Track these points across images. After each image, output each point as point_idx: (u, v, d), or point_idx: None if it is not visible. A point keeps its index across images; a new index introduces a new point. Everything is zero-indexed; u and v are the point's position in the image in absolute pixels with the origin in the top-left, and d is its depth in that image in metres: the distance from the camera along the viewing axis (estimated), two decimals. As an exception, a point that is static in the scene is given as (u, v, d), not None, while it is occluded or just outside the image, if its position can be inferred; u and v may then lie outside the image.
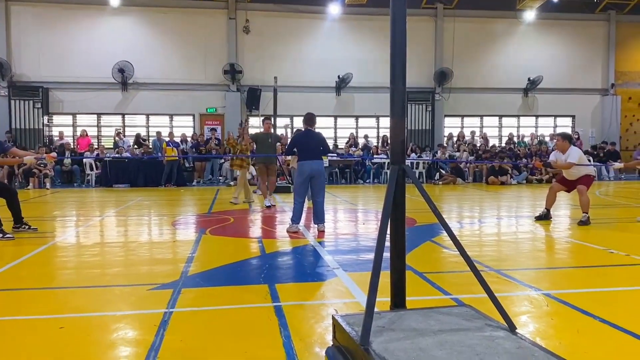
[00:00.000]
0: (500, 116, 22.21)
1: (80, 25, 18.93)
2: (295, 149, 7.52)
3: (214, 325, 3.54)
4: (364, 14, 20.01)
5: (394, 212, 3.07)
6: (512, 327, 2.77)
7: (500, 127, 22.32)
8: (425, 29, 20.79)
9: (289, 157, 11.15)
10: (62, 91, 19.02)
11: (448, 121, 21.77)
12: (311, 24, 20.27)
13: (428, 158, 19.06)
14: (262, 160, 10.39)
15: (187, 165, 18.20)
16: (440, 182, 17.91)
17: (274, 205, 10.57)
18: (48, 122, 19.29)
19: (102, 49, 18.78)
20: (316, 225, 7.34)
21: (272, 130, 10.99)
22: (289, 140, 11.11)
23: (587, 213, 7.96)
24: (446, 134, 21.46)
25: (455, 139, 21.14)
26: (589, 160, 18.83)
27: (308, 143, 7.28)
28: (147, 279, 4.79)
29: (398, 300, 3.17)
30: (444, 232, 3.12)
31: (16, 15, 18.64)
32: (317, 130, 7.71)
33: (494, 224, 8.70)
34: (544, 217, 8.37)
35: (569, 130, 22.27)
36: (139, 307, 3.96)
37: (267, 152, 10.26)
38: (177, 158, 16.82)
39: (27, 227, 7.37)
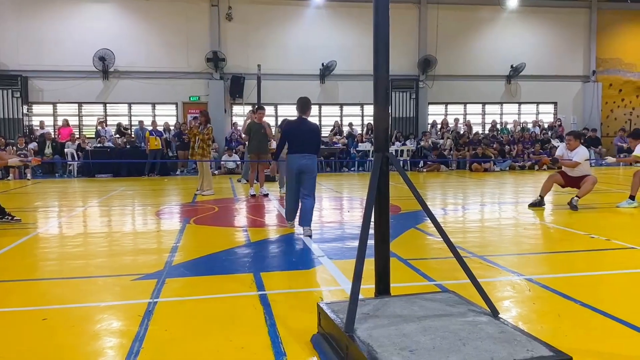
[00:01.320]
0: (484, 103, 22.35)
1: (60, 12, 18.55)
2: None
3: (199, 314, 3.53)
4: (348, 2, 19.92)
5: (378, 199, 3.08)
6: (494, 312, 2.81)
7: (484, 114, 22.47)
8: (409, 17, 20.76)
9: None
10: (41, 80, 18.69)
11: (432, 109, 21.85)
12: (295, 11, 20.12)
13: (412, 145, 19.12)
14: (255, 150, 10.37)
15: (170, 154, 18.06)
16: (425, 170, 18.01)
17: (267, 195, 10.53)
18: (28, 111, 18.95)
19: (83, 37, 18.46)
20: (301, 228, 6.31)
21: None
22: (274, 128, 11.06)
23: (579, 198, 8.09)
24: (430, 121, 21.55)
25: (439, 126, 21.24)
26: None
27: (301, 134, 6.29)
28: (131, 269, 4.76)
29: (382, 287, 3.20)
30: (428, 219, 3.14)
31: (-7, 2, 18.23)
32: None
33: (477, 210, 8.78)
34: (538, 205, 8.46)
35: (551, 117, 22.52)
36: (123, 297, 3.93)
37: (260, 142, 10.31)
38: (160, 147, 16.68)
39: (10, 217, 7.27)
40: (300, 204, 6.37)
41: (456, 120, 21.46)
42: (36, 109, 19.20)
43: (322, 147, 18.33)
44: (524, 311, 3.53)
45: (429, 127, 21.10)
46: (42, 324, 3.35)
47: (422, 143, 19.17)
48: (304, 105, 6.46)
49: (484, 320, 2.71)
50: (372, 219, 2.98)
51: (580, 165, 8.26)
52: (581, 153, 8.27)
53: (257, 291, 3.99)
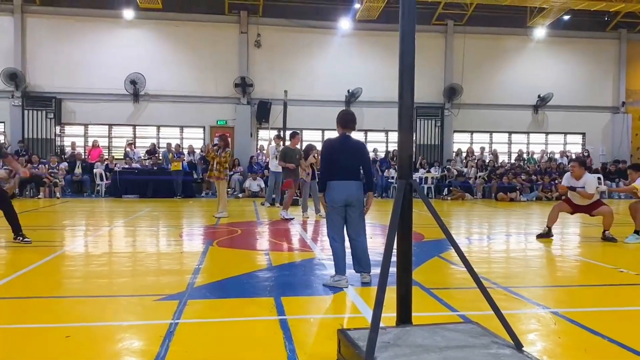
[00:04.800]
0: (510, 132, 22.17)
1: (93, 37, 19.19)
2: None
3: (220, 337, 3.53)
4: (375, 30, 20.13)
5: (401, 226, 3.07)
6: (518, 345, 2.75)
7: (510, 143, 22.27)
8: (435, 45, 20.87)
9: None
10: (74, 102, 19.23)
11: (457, 137, 21.76)
12: (322, 38, 20.42)
13: (437, 173, 19.01)
14: (291, 175, 10.71)
15: (194, 176, 18.29)
16: (449, 198, 17.85)
17: (293, 218, 10.57)
18: (60, 132, 19.48)
19: (115, 61, 19.00)
20: (359, 275, 5.14)
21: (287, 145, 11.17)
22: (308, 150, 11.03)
23: (608, 231, 7.99)
24: (455, 149, 21.45)
25: (464, 154, 21.11)
26: (598, 179, 18.77)
27: (343, 155, 4.95)
28: (153, 289, 4.80)
29: (404, 316, 3.16)
30: (452, 248, 3.11)
31: (31, 26, 18.93)
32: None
33: (503, 240, 8.65)
34: (545, 235, 8.33)
35: (579, 148, 22.19)
36: (145, 317, 3.96)
37: (295, 167, 10.75)
38: (181, 168, 16.95)
39: (21, 238, 7.21)
40: (351, 247, 5.13)
41: (482, 148, 21.32)
42: (68, 129, 19.73)
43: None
44: (549, 345, 3.44)
45: (454, 155, 20.98)
46: (66, 342, 3.39)
47: (447, 171, 19.02)
48: (348, 120, 5.08)
49: (507, 353, 2.66)
50: (395, 246, 2.97)
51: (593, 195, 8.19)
52: (590, 182, 8.18)
53: (277, 316, 3.98)
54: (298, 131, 11.75)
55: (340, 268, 4.95)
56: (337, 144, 5.04)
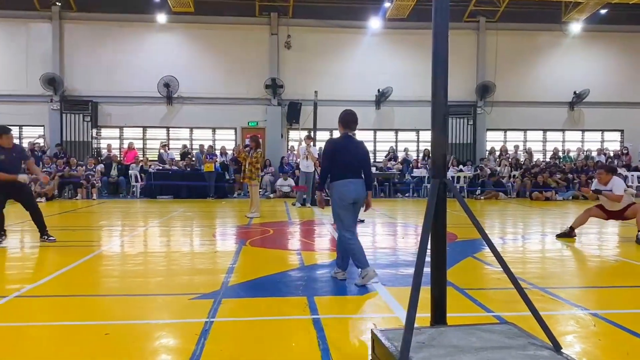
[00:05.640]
0: (545, 130, 21.71)
1: (128, 41, 19.63)
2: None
3: (254, 335, 3.57)
4: (405, 28, 19.98)
5: (434, 226, 3.05)
6: (557, 347, 2.70)
7: (545, 141, 21.81)
8: (467, 43, 20.59)
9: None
10: (110, 105, 19.70)
11: (490, 135, 21.42)
12: (352, 38, 20.39)
13: (469, 172, 18.76)
14: None
15: (227, 177, 18.50)
16: (482, 197, 17.59)
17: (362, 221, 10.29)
18: (96, 134, 20.00)
19: (149, 64, 19.39)
20: (334, 272, 5.31)
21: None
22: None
23: None
24: (488, 148, 21.11)
25: (497, 153, 20.76)
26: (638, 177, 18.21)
27: (348, 154, 5.07)
28: (188, 288, 4.88)
29: (438, 316, 3.13)
30: (486, 247, 3.07)
31: (69, 32, 19.49)
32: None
33: (538, 240, 8.47)
34: (567, 235, 8.12)
35: (617, 145, 21.58)
36: (181, 316, 4.03)
37: None
38: (214, 169, 17.17)
39: (46, 237, 7.47)
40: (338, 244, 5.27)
41: (516, 147, 20.93)
42: (104, 132, 20.23)
43: (376, 172, 18.28)
44: (589, 347, 3.36)
45: (486, 154, 20.67)
46: (105, 339, 3.48)
47: (479, 170, 18.74)
48: (350, 121, 5.19)
49: (545, 354, 2.60)
50: (428, 246, 2.94)
51: (623, 197, 7.92)
52: (618, 184, 7.93)
53: (310, 315, 4.00)
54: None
55: (362, 262, 4.98)
56: (341, 143, 5.15)
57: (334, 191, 5.07)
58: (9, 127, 7.55)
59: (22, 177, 7.47)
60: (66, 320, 3.92)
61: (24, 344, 3.43)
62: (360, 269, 5.00)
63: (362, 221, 9.97)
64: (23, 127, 19.70)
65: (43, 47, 19.17)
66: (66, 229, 9.40)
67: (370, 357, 2.98)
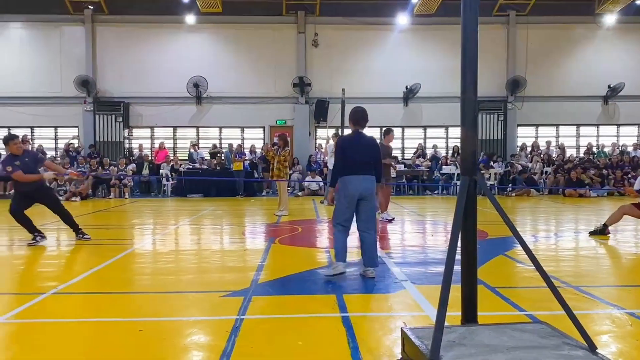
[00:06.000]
0: (578, 125, 21.22)
1: (158, 42, 19.95)
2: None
3: (284, 333, 3.59)
4: (433, 24, 19.77)
5: (464, 224, 3.01)
6: (592, 347, 2.64)
7: (578, 136, 21.32)
8: (497, 37, 20.27)
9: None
10: (141, 105, 20.06)
11: (521, 130, 21.03)
12: (379, 35, 20.28)
13: (500, 168, 18.46)
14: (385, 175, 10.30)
15: (255, 175, 18.64)
16: (513, 194, 17.31)
17: (393, 219, 10.00)
18: (128, 135, 20.39)
19: (178, 65, 19.66)
20: (363, 269, 5.27)
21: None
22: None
23: None
24: (519, 143, 20.74)
25: (529, 149, 20.38)
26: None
27: (357, 151, 5.21)
28: (219, 286, 4.93)
29: (469, 315, 3.09)
30: (518, 245, 3.02)
31: (101, 35, 19.92)
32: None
33: (571, 238, 8.30)
34: (600, 233, 7.90)
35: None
36: (212, 313, 4.08)
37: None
38: (242, 168, 17.32)
39: (81, 235, 7.61)
40: (360, 242, 5.34)
41: (548, 143, 20.51)
42: (136, 132, 20.62)
43: (404, 169, 18.15)
44: (625, 348, 3.28)
45: (518, 150, 20.31)
46: (138, 335, 3.55)
47: (510, 167, 18.42)
48: (360, 118, 5.38)
49: (580, 354, 2.55)
50: (459, 244, 2.91)
51: None
52: None
53: (339, 313, 4.00)
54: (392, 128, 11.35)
55: (339, 256, 5.16)
56: (352, 140, 5.32)
57: (340, 186, 5.25)
58: (15, 134, 7.90)
59: (47, 175, 7.77)
60: (100, 317, 4.02)
61: (61, 340, 3.53)
62: (334, 262, 5.19)
63: (393, 219, 9.92)
64: (58, 128, 20.25)
65: (76, 50, 19.64)
66: (100, 227, 9.62)
67: (400, 356, 2.97)
